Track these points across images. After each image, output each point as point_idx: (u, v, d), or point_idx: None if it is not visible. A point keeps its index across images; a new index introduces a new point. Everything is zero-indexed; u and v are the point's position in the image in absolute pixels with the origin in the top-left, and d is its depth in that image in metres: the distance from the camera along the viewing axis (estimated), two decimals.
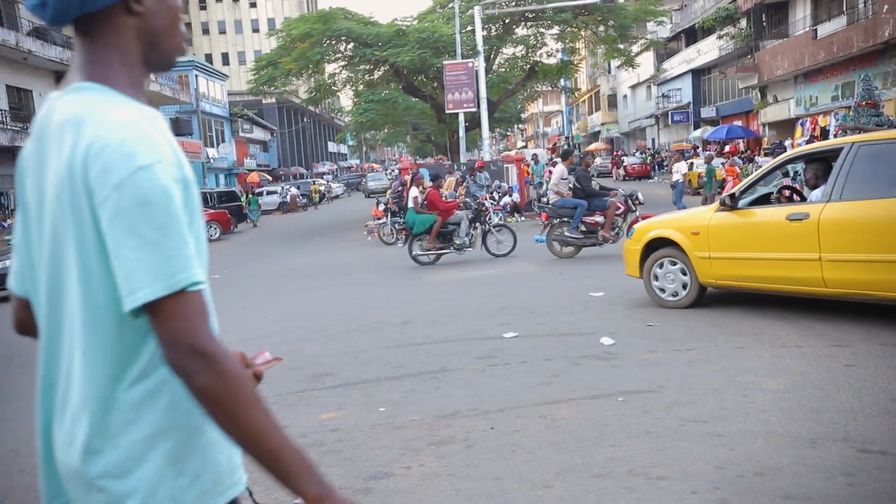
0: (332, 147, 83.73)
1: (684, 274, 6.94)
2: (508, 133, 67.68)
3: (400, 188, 19.55)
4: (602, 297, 7.90)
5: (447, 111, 23.66)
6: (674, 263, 7.03)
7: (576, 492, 3.28)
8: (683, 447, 3.66)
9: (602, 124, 59.81)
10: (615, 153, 44.77)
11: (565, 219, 11.50)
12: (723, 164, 23.20)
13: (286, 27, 26.27)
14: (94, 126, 1.11)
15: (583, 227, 11.39)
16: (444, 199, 13.04)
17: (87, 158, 1.09)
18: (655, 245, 7.18)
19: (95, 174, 1.08)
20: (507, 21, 26.13)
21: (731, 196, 6.59)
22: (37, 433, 1.25)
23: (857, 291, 5.66)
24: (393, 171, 38.80)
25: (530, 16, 25.84)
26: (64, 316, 1.18)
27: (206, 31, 69.18)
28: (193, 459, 1.18)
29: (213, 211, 23.98)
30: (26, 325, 1.34)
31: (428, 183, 13.59)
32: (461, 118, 23.59)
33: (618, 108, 56.66)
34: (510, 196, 20.31)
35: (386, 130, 42.68)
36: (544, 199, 19.70)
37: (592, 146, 57.55)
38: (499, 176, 21.09)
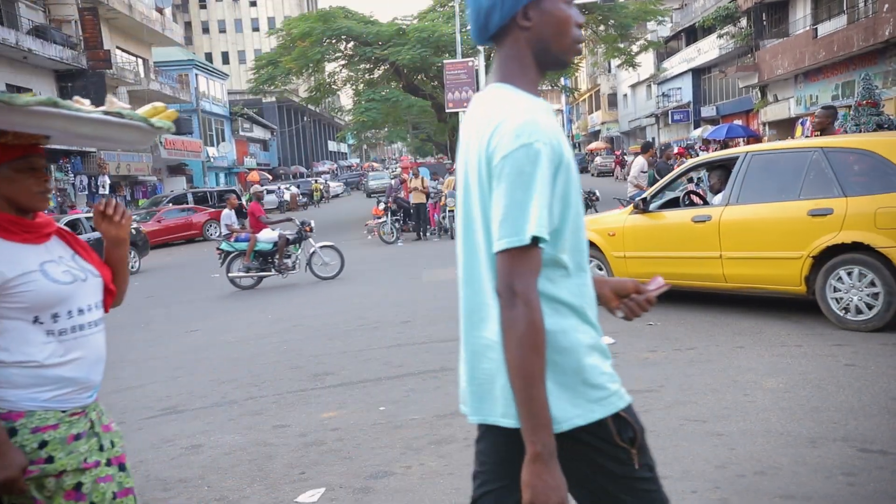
0: (332, 146, 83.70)
1: (600, 270, 7.37)
2: None
3: (399, 186, 19.53)
4: None
5: (447, 110, 23.63)
6: (590, 262, 7.28)
7: None
8: (683, 446, 3.67)
9: (602, 123, 59.77)
10: (616, 153, 44.69)
11: None
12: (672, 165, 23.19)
13: (286, 26, 26.28)
14: (499, 114, 1.44)
15: None
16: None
17: (491, 138, 1.42)
18: None
19: (493, 148, 1.41)
20: None
21: (643, 200, 7.03)
22: (463, 359, 1.57)
23: (752, 285, 6.30)
24: (394, 170, 38.67)
25: None
26: (482, 259, 1.49)
27: (206, 31, 69.15)
28: (593, 373, 1.56)
29: (212, 210, 23.97)
30: None
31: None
32: (461, 117, 23.59)
33: (618, 108, 56.58)
34: None
35: (386, 129, 42.72)
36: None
37: (593, 145, 57.50)
38: None
